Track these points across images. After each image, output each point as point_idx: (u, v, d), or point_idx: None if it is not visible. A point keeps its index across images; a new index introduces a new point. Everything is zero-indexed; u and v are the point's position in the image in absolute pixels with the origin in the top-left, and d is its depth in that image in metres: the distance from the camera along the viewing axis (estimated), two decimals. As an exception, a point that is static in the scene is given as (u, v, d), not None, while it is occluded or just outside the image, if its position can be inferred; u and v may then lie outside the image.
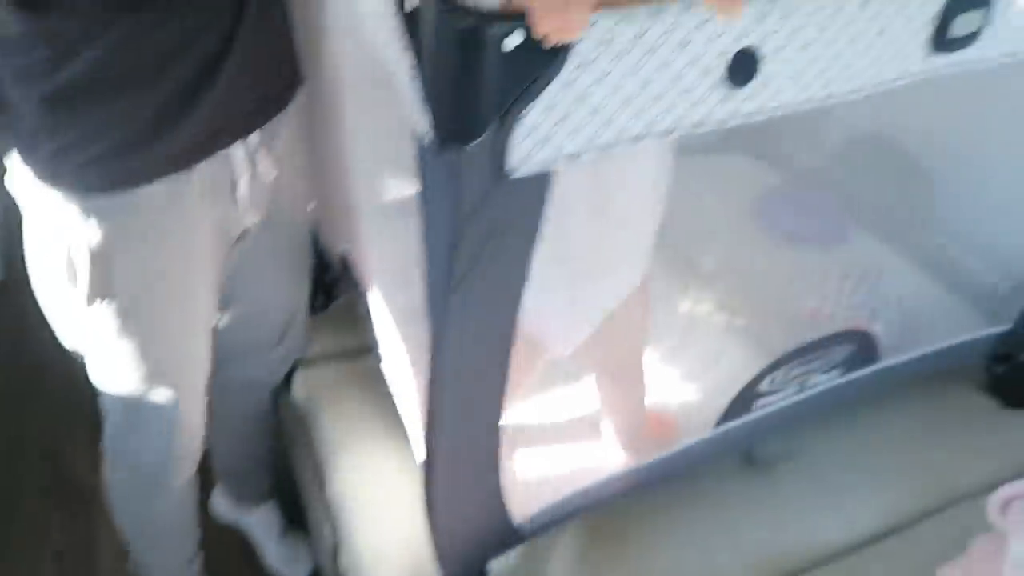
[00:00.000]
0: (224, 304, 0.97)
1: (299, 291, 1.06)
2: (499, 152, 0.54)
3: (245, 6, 0.74)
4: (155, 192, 0.75)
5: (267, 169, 0.85)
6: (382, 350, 0.94)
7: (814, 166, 1.31)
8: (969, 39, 0.67)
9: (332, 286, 1.21)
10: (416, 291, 0.66)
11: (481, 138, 0.52)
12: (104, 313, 0.80)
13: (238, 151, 0.81)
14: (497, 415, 0.73)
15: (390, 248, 0.82)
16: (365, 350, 1.12)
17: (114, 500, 1.02)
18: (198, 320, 0.87)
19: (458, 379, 0.68)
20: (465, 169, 0.54)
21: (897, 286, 1.14)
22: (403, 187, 0.73)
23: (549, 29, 0.48)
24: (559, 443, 0.98)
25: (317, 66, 0.86)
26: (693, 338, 1.09)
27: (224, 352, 1.04)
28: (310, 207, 1.08)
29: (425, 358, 0.68)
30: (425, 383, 0.70)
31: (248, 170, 0.83)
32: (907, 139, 1.19)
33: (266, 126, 0.83)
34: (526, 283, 0.64)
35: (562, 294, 0.78)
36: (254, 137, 0.82)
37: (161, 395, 0.87)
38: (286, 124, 0.87)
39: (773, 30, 0.57)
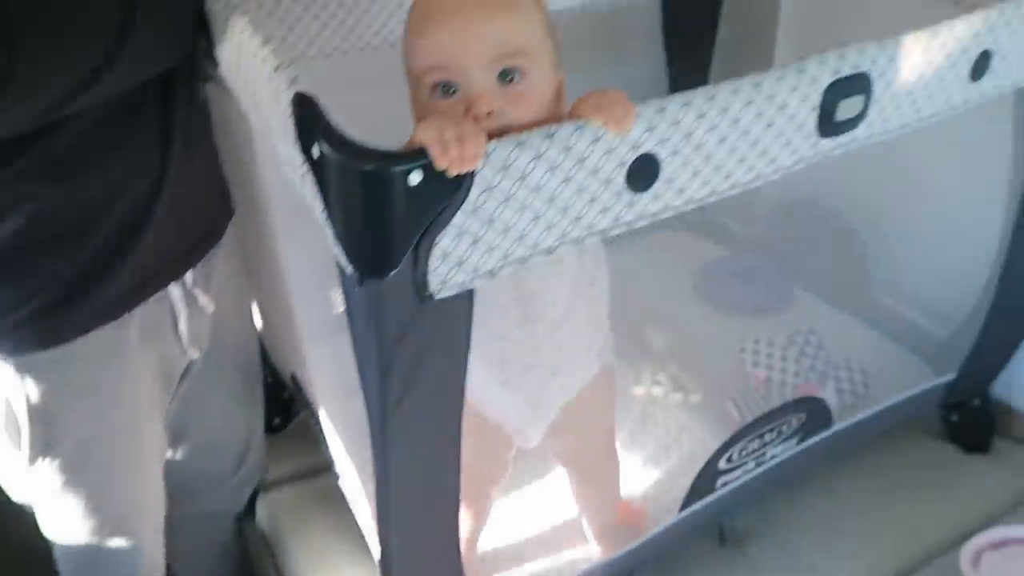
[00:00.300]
0: (176, 439, 0.96)
1: (252, 418, 1.06)
2: (417, 279, 0.56)
3: (170, 152, 0.75)
4: (91, 343, 0.75)
5: (207, 303, 0.86)
6: (338, 468, 0.94)
7: (751, 235, 1.36)
8: (855, 121, 0.72)
9: (288, 405, 1.21)
10: (360, 410, 0.67)
11: (397, 270, 0.54)
12: (49, 470, 0.79)
13: (175, 290, 0.82)
14: (452, 526, 0.73)
15: (332, 368, 0.83)
16: (326, 469, 1.11)
17: None
18: (147, 464, 0.86)
19: (406, 499, 0.68)
20: (386, 298, 0.56)
21: (844, 345, 1.17)
22: (337, 310, 0.75)
23: (448, 163, 0.51)
24: (530, 542, 0.97)
25: (249, 193, 0.89)
26: (652, 420, 1.10)
27: (182, 486, 1.03)
28: (259, 329, 1.10)
29: (371, 481, 0.69)
30: (374, 507, 0.70)
31: (187, 307, 0.84)
32: (835, 201, 1.24)
33: (201, 261, 0.85)
34: (464, 396, 0.65)
35: (513, 392, 0.78)
36: (190, 274, 0.83)
37: (116, 543, 0.85)
38: (222, 254, 0.88)
39: (666, 137, 0.61)
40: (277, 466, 1.18)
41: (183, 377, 0.91)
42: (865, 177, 1.13)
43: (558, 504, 0.99)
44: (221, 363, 0.95)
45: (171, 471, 1.02)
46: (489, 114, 0.62)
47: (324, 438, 0.96)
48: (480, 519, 0.91)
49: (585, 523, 0.95)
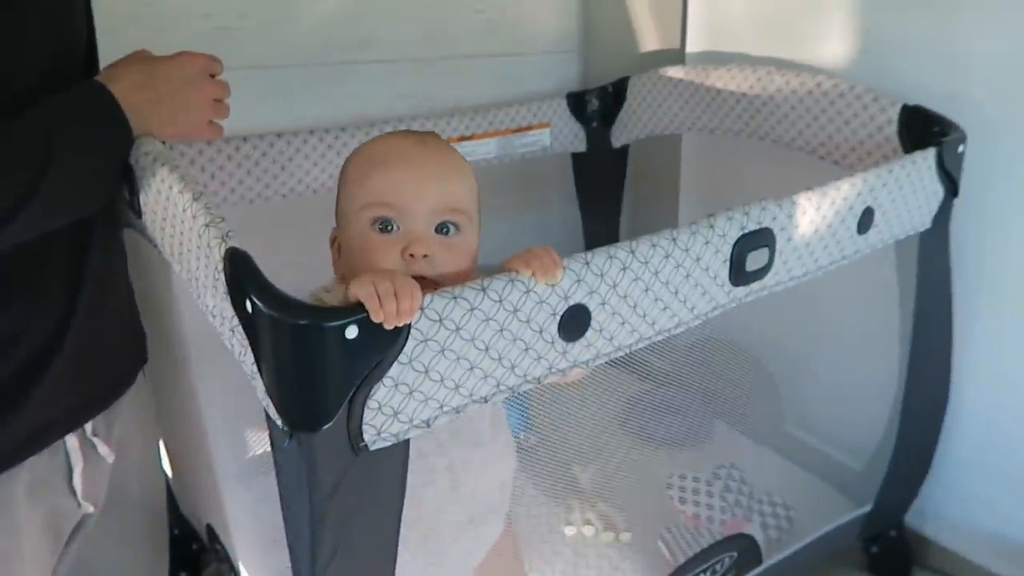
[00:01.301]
0: None
1: (155, 574, 0.98)
2: (352, 431, 0.55)
3: (77, 300, 0.73)
4: None
5: (107, 453, 0.81)
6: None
7: (672, 370, 1.40)
8: (763, 271, 0.77)
9: (197, 557, 1.13)
10: (284, 562, 0.64)
11: (331, 423, 0.53)
12: None
13: (71, 439, 0.77)
14: None
15: (252, 517, 0.79)
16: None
17: None
18: None
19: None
20: (319, 451, 0.55)
21: (765, 479, 1.20)
22: (258, 449, 0.72)
23: (384, 317, 0.52)
24: None
25: (165, 337, 0.87)
26: (584, 562, 1.08)
27: None
28: (169, 477, 1.04)
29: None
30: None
31: (84, 458, 0.78)
32: (748, 340, 1.30)
33: (103, 412, 0.81)
34: (397, 547, 0.63)
35: (423, 554, 0.76)
36: (89, 425, 0.79)
37: None
38: (128, 402, 0.84)
39: (594, 288, 0.64)
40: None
41: (75, 533, 0.84)
42: (773, 318, 1.20)
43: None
44: (123, 519, 0.88)
45: None
46: (425, 257, 0.65)
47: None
48: None
49: None
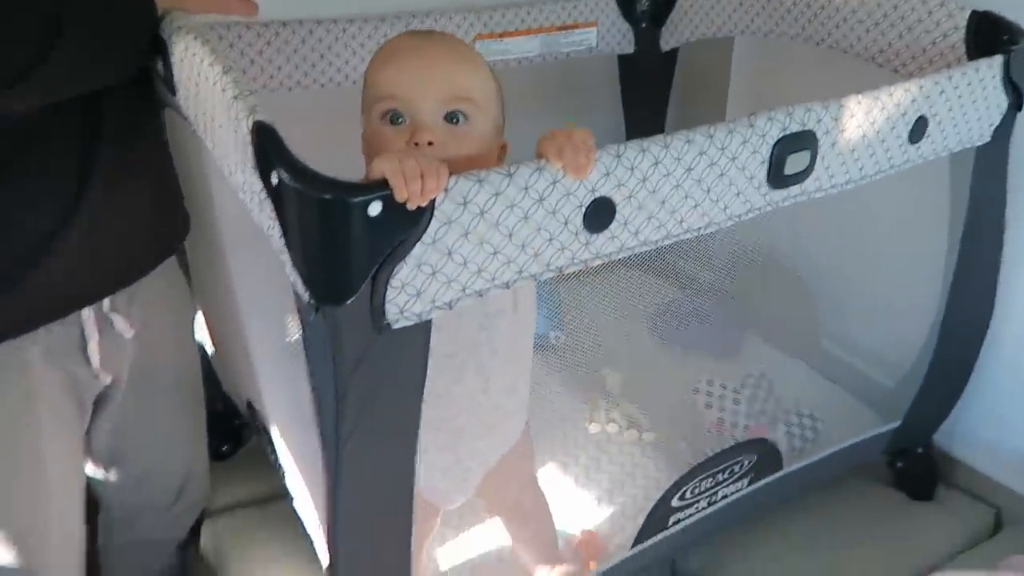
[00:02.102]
0: (111, 467, 0.94)
1: (193, 447, 1.03)
2: (375, 308, 0.57)
3: (86, 191, 0.74)
4: None
5: (124, 328, 0.84)
6: (293, 494, 0.93)
7: (706, 279, 1.39)
8: (802, 175, 0.75)
9: (239, 432, 1.20)
10: (314, 437, 0.67)
11: (354, 298, 0.55)
12: None
13: (86, 312, 0.80)
14: (405, 559, 0.73)
15: (286, 393, 0.83)
16: (276, 496, 1.09)
17: None
18: (54, 487, 0.83)
19: (358, 527, 0.68)
20: (343, 326, 0.57)
21: (793, 390, 1.20)
22: (291, 334, 0.75)
23: (407, 195, 0.53)
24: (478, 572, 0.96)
25: (203, 217, 0.89)
26: (607, 457, 1.11)
27: (117, 514, 1.01)
28: (211, 355, 1.08)
29: (324, 502, 0.68)
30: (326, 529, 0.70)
31: (99, 331, 0.82)
32: (787, 251, 1.28)
33: (124, 290, 0.83)
34: (419, 425, 0.65)
35: (444, 458, 0.79)
36: (107, 300, 0.82)
37: (17, 567, 0.82)
38: (152, 282, 0.87)
39: (622, 181, 0.63)
40: (224, 493, 1.16)
41: (107, 402, 0.89)
42: (815, 230, 1.18)
43: (504, 543, 0.98)
44: (154, 393, 0.93)
45: (109, 498, 1.00)
46: (430, 144, 0.67)
47: (278, 463, 0.95)
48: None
49: (527, 563, 0.95)
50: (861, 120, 0.78)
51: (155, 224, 0.86)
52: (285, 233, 0.55)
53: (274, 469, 0.99)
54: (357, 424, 0.61)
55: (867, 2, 1.08)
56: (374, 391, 0.60)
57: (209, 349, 1.12)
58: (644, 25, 1.38)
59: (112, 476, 0.95)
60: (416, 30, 0.78)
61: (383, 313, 0.57)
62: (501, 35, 1.24)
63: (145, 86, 0.79)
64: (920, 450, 1.19)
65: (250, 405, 1.01)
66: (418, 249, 0.56)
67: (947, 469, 1.23)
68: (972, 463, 1.21)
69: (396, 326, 0.58)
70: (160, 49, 0.71)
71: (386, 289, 0.56)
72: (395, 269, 0.56)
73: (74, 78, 0.69)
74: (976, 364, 1.14)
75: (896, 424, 1.14)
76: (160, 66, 0.73)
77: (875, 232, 1.18)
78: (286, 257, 0.57)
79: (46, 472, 0.82)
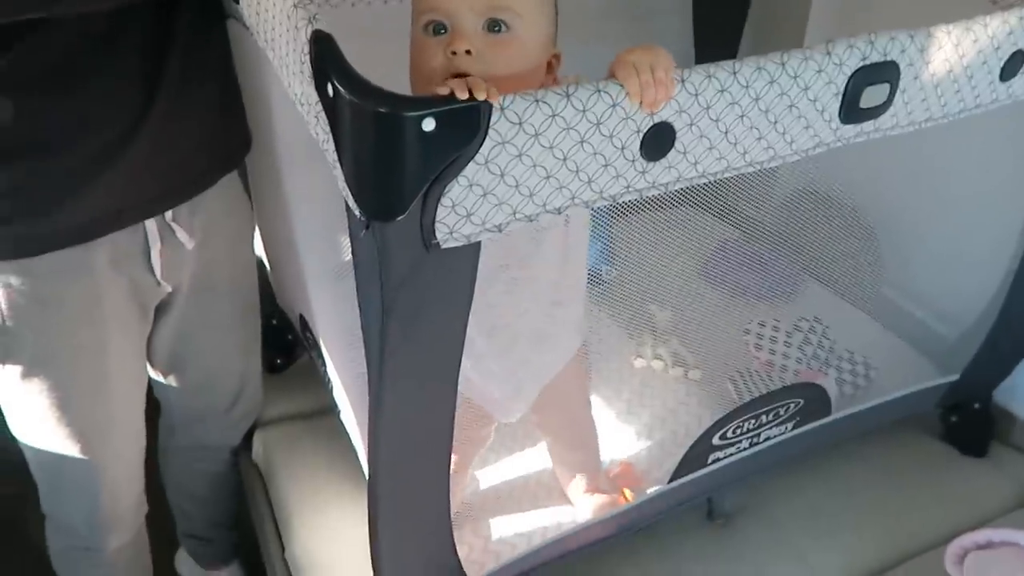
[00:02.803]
0: (172, 372, 0.98)
1: (249, 357, 1.07)
2: (424, 226, 0.56)
3: (154, 99, 0.75)
4: (56, 260, 0.76)
5: (186, 239, 0.86)
6: (340, 407, 0.96)
7: (765, 220, 1.34)
8: (879, 109, 0.71)
9: (292, 347, 1.23)
10: (361, 352, 0.68)
11: (404, 215, 0.55)
12: (9, 377, 0.81)
13: (150, 223, 0.82)
14: (444, 477, 0.75)
15: (337, 310, 0.84)
16: (324, 411, 1.13)
17: (56, 566, 1.02)
18: (113, 386, 0.87)
19: (399, 443, 0.69)
20: (392, 243, 0.57)
21: (848, 337, 1.17)
22: (343, 253, 0.75)
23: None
24: (516, 502, 0.99)
25: (264, 132, 0.89)
26: (650, 392, 1.11)
27: (177, 418, 1.05)
28: (268, 269, 1.11)
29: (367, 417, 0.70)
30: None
31: (161, 240, 0.84)
32: (851, 194, 1.23)
33: (186, 203, 0.84)
34: (463, 349, 0.66)
35: (499, 367, 0.80)
36: (169, 212, 0.83)
37: (81, 460, 0.87)
38: (215, 195, 0.88)
39: (684, 107, 0.61)
40: (275, 404, 1.20)
41: (168, 309, 0.92)
42: (883, 173, 1.12)
43: (545, 468, 1.00)
44: (213, 303, 0.96)
45: (168, 403, 1.05)
46: (468, 53, 0.66)
47: (327, 377, 0.98)
48: (460, 483, 0.93)
49: (568, 488, 0.97)
50: (950, 53, 0.73)
51: (219, 137, 0.87)
52: (338, 146, 0.55)
53: (323, 383, 1.02)
54: (401, 341, 0.61)
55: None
56: (420, 309, 0.61)
57: (266, 264, 1.14)
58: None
59: (173, 381, 1.00)
60: None
61: (433, 232, 0.57)
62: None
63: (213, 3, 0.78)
64: (976, 405, 1.16)
65: (302, 320, 1.04)
66: (471, 168, 0.55)
67: (1003, 426, 1.19)
68: (1031, 422, 1.17)
69: (445, 246, 0.58)
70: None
71: (436, 208, 0.56)
72: (446, 187, 0.55)
73: None
74: (1046, 321, 1.09)
75: (954, 377, 1.10)
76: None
77: (948, 175, 1.12)
78: (339, 172, 0.56)
79: (109, 373, 0.86)
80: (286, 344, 1.24)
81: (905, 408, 1.10)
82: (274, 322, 1.22)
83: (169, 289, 0.89)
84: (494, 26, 0.68)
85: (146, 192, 0.80)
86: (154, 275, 0.86)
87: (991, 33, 0.74)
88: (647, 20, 1.46)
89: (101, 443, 0.89)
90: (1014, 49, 0.77)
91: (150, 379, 1.00)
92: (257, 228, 1.09)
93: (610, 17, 1.41)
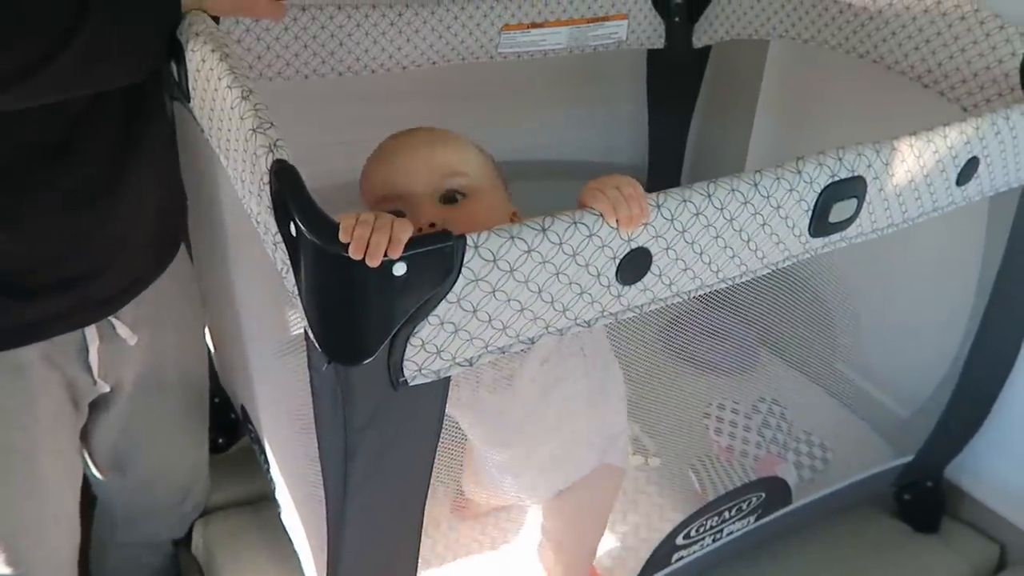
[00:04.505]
0: (114, 468, 0.92)
1: (199, 449, 1.01)
2: (392, 366, 0.53)
3: (99, 206, 0.72)
4: None
5: (127, 334, 0.81)
6: (281, 505, 0.91)
7: (721, 291, 1.35)
8: (846, 223, 0.71)
9: (235, 425, 1.17)
10: (310, 461, 0.64)
11: (371, 358, 0.51)
12: None
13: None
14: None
15: (284, 417, 0.80)
16: (266, 497, 1.07)
17: None
18: (50, 486, 0.82)
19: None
20: (356, 384, 0.53)
21: (806, 417, 1.17)
22: (289, 330, 0.72)
23: (348, 239, 0.47)
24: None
25: (207, 209, 0.85)
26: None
27: (119, 513, 0.99)
28: (211, 351, 1.05)
29: (322, 534, 0.65)
30: (323, 563, 0.67)
31: (100, 338, 0.79)
32: (807, 270, 1.24)
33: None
34: (429, 482, 0.62)
35: (513, 476, 0.81)
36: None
37: (11, 562, 0.81)
38: (159, 289, 0.83)
39: (661, 232, 0.59)
40: (217, 489, 1.13)
41: (109, 407, 0.87)
42: (841, 252, 1.14)
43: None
44: (161, 400, 0.90)
45: (112, 499, 0.98)
46: (432, 226, 0.66)
47: (269, 474, 0.93)
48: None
49: None
50: (911, 163, 0.73)
51: (165, 235, 0.82)
52: (299, 284, 0.51)
53: (265, 477, 0.96)
54: (365, 481, 0.57)
55: (919, 18, 1.02)
56: (385, 448, 0.57)
57: (208, 340, 1.09)
58: (677, 20, 1.31)
59: (117, 479, 0.94)
60: (396, 132, 0.75)
61: (401, 370, 0.53)
62: (529, 26, 1.18)
63: (157, 87, 0.74)
64: (929, 484, 1.17)
65: (244, 410, 0.98)
66: (442, 307, 0.52)
67: (954, 501, 1.20)
68: (980, 497, 1.19)
69: (413, 383, 0.54)
70: (176, 53, 0.66)
71: (405, 347, 0.52)
72: (416, 327, 0.52)
73: (93, 70, 0.64)
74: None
75: (909, 458, 1.11)
76: (174, 69, 0.68)
77: (904, 259, 1.14)
78: (299, 303, 0.53)
79: (42, 474, 0.81)
80: (229, 423, 1.18)
81: (862, 491, 1.10)
82: (216, 400, 1.16)
83: (106, 389, 0.83)
84: (450, 198, 0.68)
85: (81, 300, 0.74)
86: (91, 374, 0.80)
87: (950, 142, 0.76)
88: (601, 84, 1.47)
89: (33, 544, 0.83)
90: (970, 156, 0.78)
91: (90, 474, 0.93)
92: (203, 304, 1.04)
93: (562, 84, 1.42)
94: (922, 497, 1.17)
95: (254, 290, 0.82)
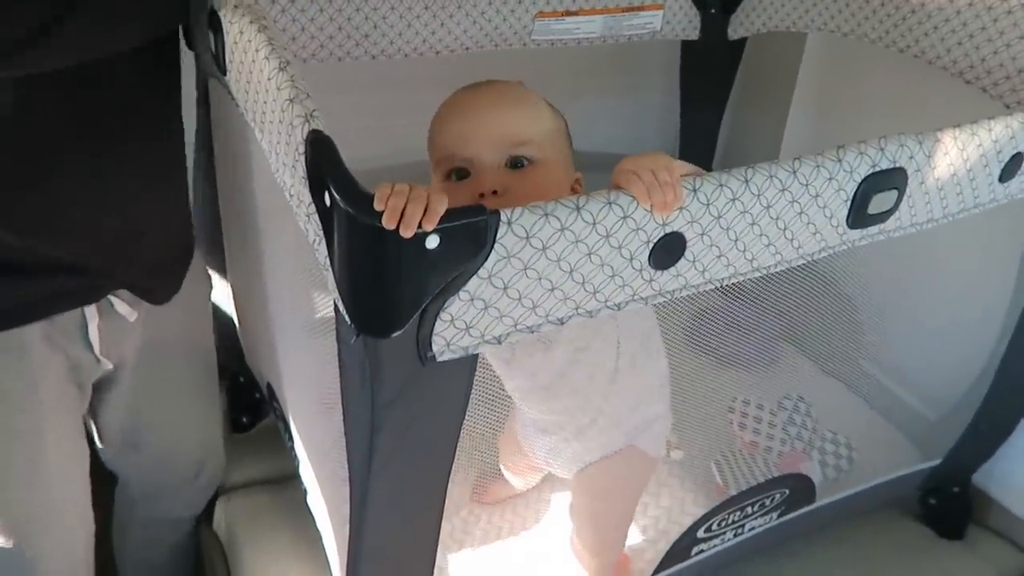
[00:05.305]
0: (126, 446, 0.92)
1: (210, 424, 1.01)
2: (420, 340, 0.53)
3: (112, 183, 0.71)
4: None
5: (127, 311, 0.80)
6: (306, 483, 0.91)
7: (749, 287, 1.33)
8: (885, 215, 0.70)
9: (260, 404, 1.17)
10: (334, 440, 0.64)
11: (400, 331, 0.51)
12: None
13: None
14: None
15: (310, 395, 0.80)
16: (289, 477, 1.07)
17: None
18: (52, 471, 0.80)
19: (381, 559, 0.65)
20: (384, 357, 0.53)
21: (832, 417, 1.15)
22: (320, 311, 0.71)
23: (383, 208, 0.46)
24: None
25: (241, 181, 0.85)
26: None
27: (137, 491, 0.99)
28: (239, 330, 1.06)
29: (344, 512, 0.65)
30: (344, 542, 0.67)
31: (100, 314, 0.78)
32: (837, 266, 1.22)
33: None
34: (453, 459, 0.62)
35: (542, 442, 0.81)
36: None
37: (19, 553, 0.79)
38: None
39: (696, 217, 0.58)
40: (240, 468, 1.14)
41: (113, 386, 0.86)
42: (872, 249, 1.12)
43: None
44: (166, 374, 0.90)
45: (126, 477, 0.98)
46: (495, 193, 0.65)
47: (293, 452, 0.93)
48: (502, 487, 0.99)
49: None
50: (954, 156, 0.72)
51: (169, 237, 0.82)
52: (331, 255, 0.51)
53: (289, 456, 0.97)
54: (390, 458, 0.57)
55: (963, 12, 1.00)
56: (411, 424, 0.57)
57: (235, 322, 1.09)
58: (713, 11, 1.29)
59: (130, 456, 0.94)
60: (470, 84, 0.74)
61: (429, 345, 0.53)
62: (563, 13, 1.17)
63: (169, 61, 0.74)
64: (956, 489, 1.15)
65: (269, 388, 0.99)
66: (473, 283, 0.51)
67: (980, 508, 1.18)
68: (1008, 505, 1.17)
69: (441, 359, 0.54)
70: (214, 24, 0.66)
71: (435, 322, 0.52)
72: (446, 302, 0.51)
73: (98, 34, 0.62)
74: (1027, 405, 1.09)
75: (936, 462, 1.09)
76: (211, 41, 0.68)
77: (941, 259, 1.11)
78: (330, 275, 0.53)
79: (47, 458, 0.79)
80: (253, 402, 1.19)
81: (887, 493, 1.08)
82: (241, 379, 1.17)
83: (110, 367, 0.83)
84: (516, 163, 0.67)
85: (91, 276, 0.74)
86: (93, 352, 0.80)
87: (995, 136, 0.74)
88: (633, 74, 1.46)
89: (41, 533, 0.81)
90: (1014, 151, 0.76)
91: (104, 453, 0.94)
92: (229, 284, 1.04)
93: (593, 73, 1.40)
94: (948, 502, 1.15)
95: (284, 267, 0.82)
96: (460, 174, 0.68)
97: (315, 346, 0.73)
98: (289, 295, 0.83)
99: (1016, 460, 1.14)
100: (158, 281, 0.82)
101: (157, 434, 0.93)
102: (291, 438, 0.93)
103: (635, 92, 1.48)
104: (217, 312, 1.07)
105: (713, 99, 1.42)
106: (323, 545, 0.88)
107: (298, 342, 0.85)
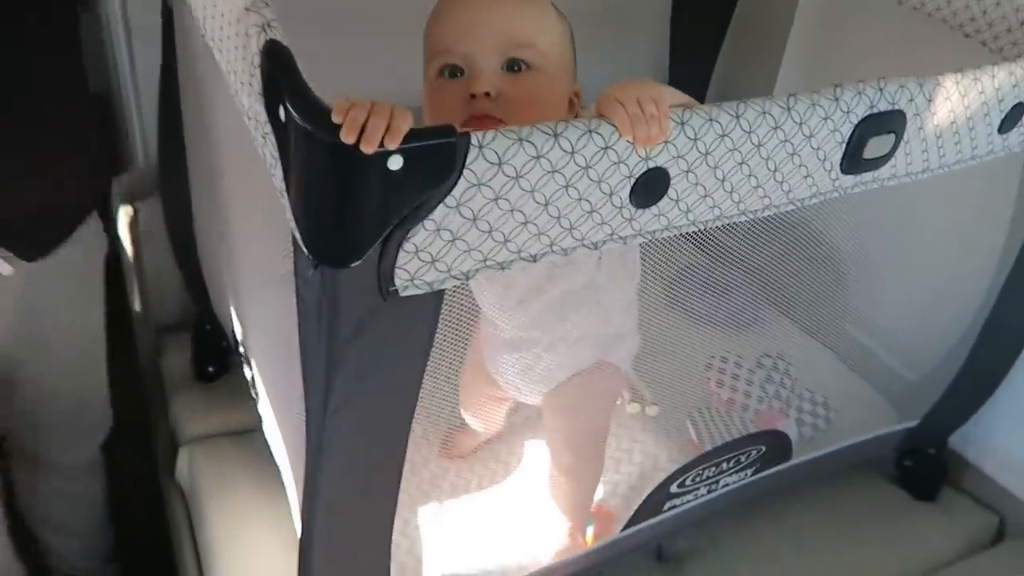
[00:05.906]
0: (7, 383, 0.91)
1: (88, 375, 1.01)
2: (382, 272, 0.49)
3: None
4: None
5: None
6: (268, 437, 0.88)
7: (731, 244, 1.30)
8: (881, 160, 0.66)
9: (226, 354, 1.14)
10: (294, 388, 0.60)
11: (360, 261, 0.47)
12: None
13: None
14: (385, 538, 0.67)
15: (271, 336, 0.76)
16: (253, 429, 1.04)
17: None
18: None
19: (338, 506, 0.62)
20: (343, 289, 0.49)
21: (811, 376, 1.13)
22: (286, 260, 0.68)
23: (341, 121, 0.42)
24: (462, 545, 0.92)
25: (205, 121, 0.80)
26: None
27: (15, 440, 0.99)
28: (206, 279, 1.02)
29: (303, 462, 0.62)
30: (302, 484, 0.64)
31: None
32: (823, 224, 1.19)
33: None
34: (415, 405, 0.58)
35: (513, 353, 0.78)
36: None
37: None
38: None
39: (682, 152, 0.54)
40: (204, 419, 1.11)
41: None
42: (859, 207, 1.09)
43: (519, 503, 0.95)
44: (47, 330, 0.90)
45: (11, 424, 0.98)
46: (487, 95, 0.62)
47: (257, 404, 0.90)
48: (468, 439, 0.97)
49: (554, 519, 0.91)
50: (955, 103, 0.68)
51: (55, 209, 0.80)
52: (287, 177, 0.47)
53: (255, 408, 0.93)
54: (347, 398, 0.54)
55: (964, -39, 0.96)
56: (371, 364, 0.53)
57: (203, 265, 1.05)
58: (705, -43, 1.25)
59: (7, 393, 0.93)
60: None
61: (391, 278, 0.49)
62: (549, -50, 1.11)
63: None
64: (932, 451, 1.14)
65: (235, 337, 0.95)
66: (439, 211, 0.48)
67: (955, 471, 1.17)
68: (983, 467, 1.16)
69: (404, 294, 0.50)
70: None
71: (397, 253, 0.48)
72: (410, 232, 0.48)
73: None
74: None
75: (913, 423, 1.08)
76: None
77: (927, 220, 1.09)
78: (286, 203, 0.49)
79: None
80: (220, 351, 1.15)
81: (863, 453, 1.07)
82: (208, 328, 1.13)
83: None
84: (514, 65, 0.63)
85: None
86: None
87: (997, 84, 0.71)
88: (622, 25, 1.40)
89: None
90: (1016, 101, 0.73)
91: None
92: (195, 228, 1.00)
93: (580, 23, 1.35)
94: (923, 464, 1.14)
95: (245, 206, 0.78)
96: (453, 71, 0.64)
97: (277, 293, 0.70)
98: (251, 236, 0.79)
99: (993, 424, 1.13)
100: (31, 238, 0.80)
101: (32, 375, 0.93)
102: (256, 391, 0.90)
103: (624, 44, 1.43)
104: (186, 258, 1.03)
105: (703, 53, 1.38)
106: (287, 496, 0.85)
107: (261, 288, 0.81)
